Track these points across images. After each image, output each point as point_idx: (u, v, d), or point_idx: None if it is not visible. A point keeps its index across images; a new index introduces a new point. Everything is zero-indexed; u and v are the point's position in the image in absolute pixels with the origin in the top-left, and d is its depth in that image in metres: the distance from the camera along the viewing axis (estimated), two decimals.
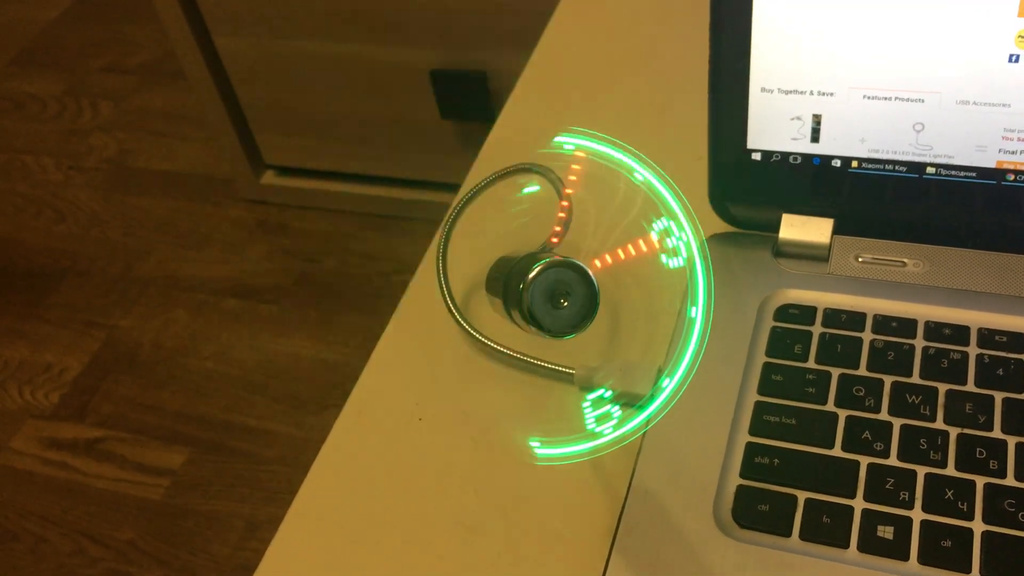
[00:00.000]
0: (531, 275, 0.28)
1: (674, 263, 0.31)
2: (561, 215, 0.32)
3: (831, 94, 0.44)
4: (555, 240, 0.32)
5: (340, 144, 1.56)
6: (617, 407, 0.32)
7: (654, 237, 0.30)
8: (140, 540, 1.26)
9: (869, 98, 0.44)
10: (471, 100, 1.38)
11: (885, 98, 0.43)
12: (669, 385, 0.32)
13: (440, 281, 0.48)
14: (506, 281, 0.29)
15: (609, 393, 0.32)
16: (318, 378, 1.41)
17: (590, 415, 0.32)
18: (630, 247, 0.30)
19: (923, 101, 0.43)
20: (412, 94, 1.43)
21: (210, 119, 1.60)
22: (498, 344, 0.46)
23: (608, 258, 0.30)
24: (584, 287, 0.28)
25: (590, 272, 0.28)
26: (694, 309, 0.32)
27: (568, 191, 0.32)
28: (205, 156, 1.81)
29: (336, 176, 1.63)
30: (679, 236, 0.30)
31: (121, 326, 1.54)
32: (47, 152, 1.88)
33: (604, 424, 0.32)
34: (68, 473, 1.35)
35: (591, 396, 0.32)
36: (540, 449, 0.32)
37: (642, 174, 0.31)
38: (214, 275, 1.60)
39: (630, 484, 0.40)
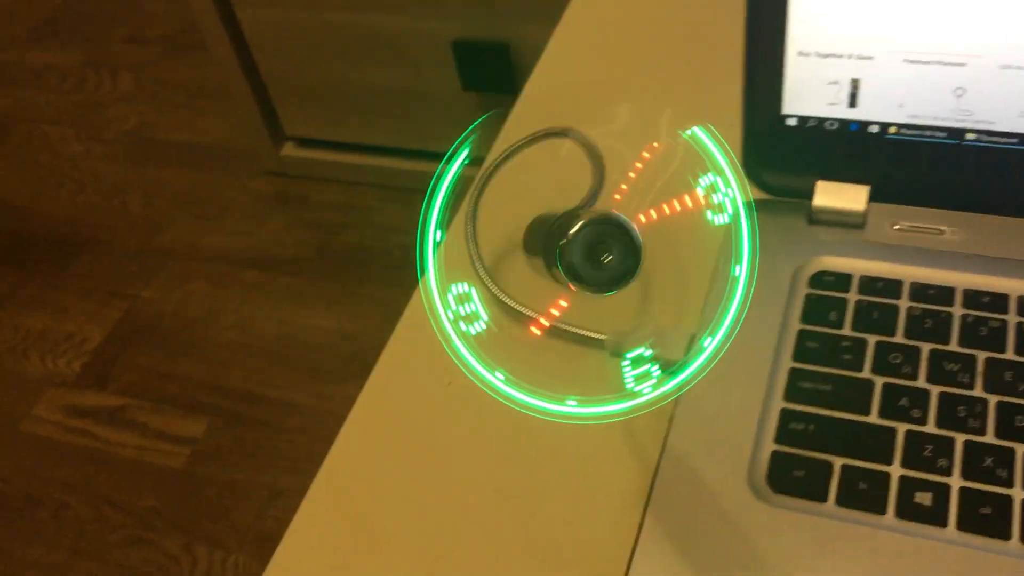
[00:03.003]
0: (573, 230, 0.27)
1: (719, 220, 0.31)
2: (631, 175, 0.31)
3: (870, 58, 0.43)
4: (618, 197, 0.31)
5: (361, 115, 1.56)
6: (656, 366, 0.32)
7: (700, 193, 0.30)
8: (162, 507, 1.27)
9: (909, 62, 0.43)
10: (493, 71, 1.37)
11: (926, 62, 0.43)
12: (711, 344, 0.32)
13: (469, 245, 0.47)
14: (546, 238, 0.29)
15: (649, 352, 0.31)
16: (338, 349, 1.41)
17: (629, 374, 0.32)
18: (675, 203, 0.30)
19: (965, 65, 0.42)
20: (434, 65, 1.42)
21: (231, 90, 1.60)
22: (528, 308, 0.46)
23: (652, 213, 0.30)
24: (626, 242, 0.28)
25: (632, 225, 0.28)
26: (738, 267, 0.31)
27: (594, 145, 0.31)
28: (225, 128, 1.81)
29: (356, 148, 1.63)
30: (725, 192, 0.30)
31: (142, 296, 1.55)
32: (68, 123, 1.89)
33: (643, 383, 0.32)
34: (90, 441, 1.36)
35: (631, 355, 0.31)
36: (578, 408, 0.31)
37: (689, 128, 0.30)
38: (234, 246, 1.60)
39: (663, 448, 0.40)
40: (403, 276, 1.61)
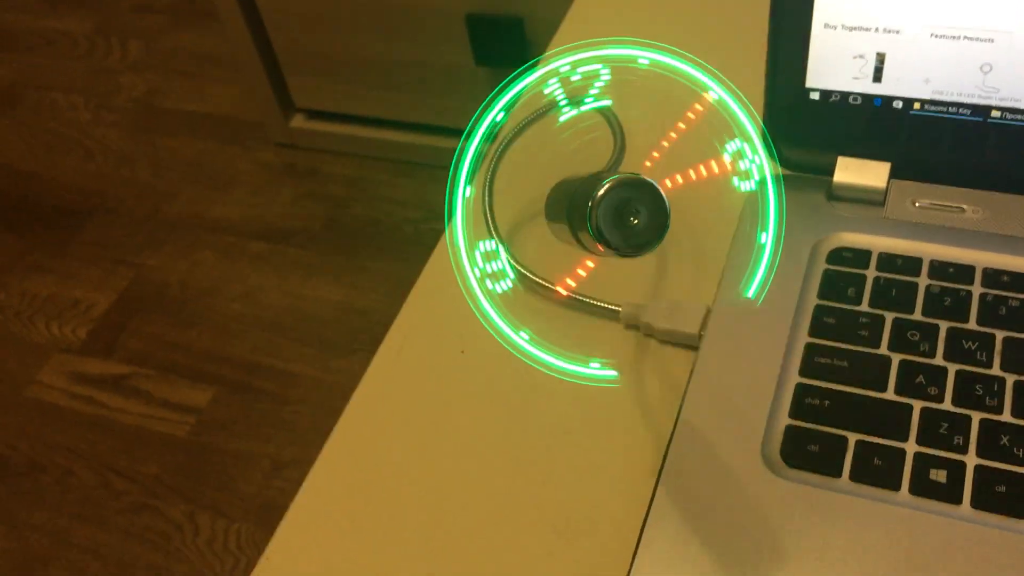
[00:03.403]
0: (600, 192, 0.27)
1: (745, 187, 0.30)
2: (664, 143, 0.31)
3: (897, 31, 0.43)
4: (648, 164, 0.31)
5: (372, 89, 1.55)
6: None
7: (726, 159, 0.30)
8: (165, 475, 1.27)
9: (937, 36, 0.42)
10: (507, 47, 1.37)
11: (953, 37, 0.42)
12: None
13: (486, 214, 0.47)
14: (571, 202, 0.29)
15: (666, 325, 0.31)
16: (345, 323, 1.41)
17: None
18: (701, 168, 0.30)
19: (993, 41, 0.42)
20: (447, 39, 1.41)
21: (241, 61, 1.59)
22: (544, 279, 0.45)
23: (679, 178, 0.29)
24: (653, 204, 0.27)
25: (660, 188, 0.27)
26: (764, 234, 0.31)
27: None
28: (235, 98, 1.80)
29: (367, 121, 1.62)
30: (752, 159, 0.30)
31: (149, 265, 1.54)
32: (77, 90, 1.88)
33: None
34: (95, 408, 1.37)
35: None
36: (601, 370, 0.31)
37: (717, 92, 0.30)
38: (242, 217, 1.60)
39: (677, 420, 0.40)
40: (411, 251, 1.61)
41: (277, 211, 1.60)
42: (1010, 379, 0.38)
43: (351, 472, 0.42)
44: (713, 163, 0.30)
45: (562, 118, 0.30)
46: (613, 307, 0.44)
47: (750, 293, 0.32)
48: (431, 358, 0.46)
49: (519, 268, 0.46)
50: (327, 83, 1.58)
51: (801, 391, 0.40)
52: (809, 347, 0.41)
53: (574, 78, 0.29)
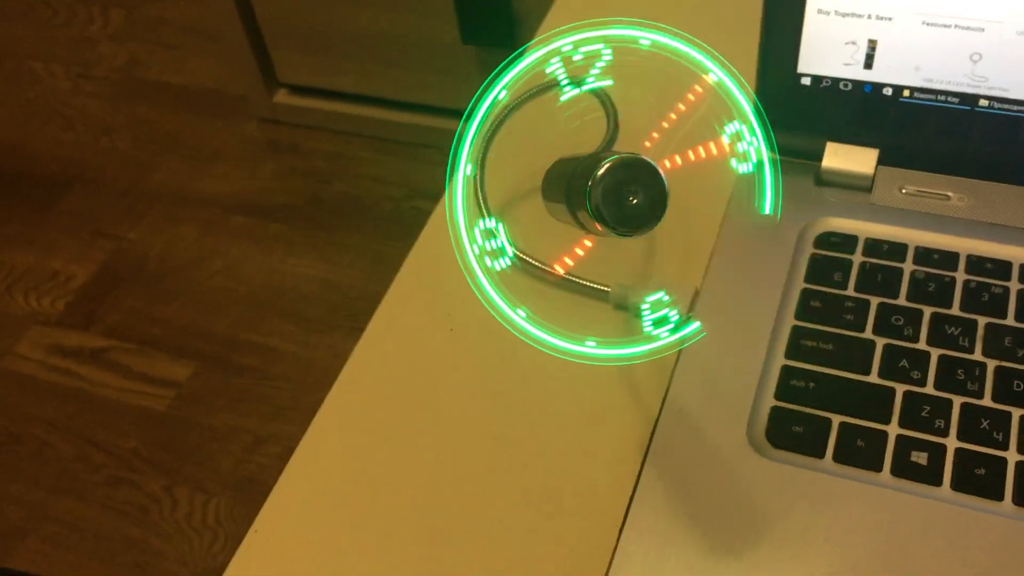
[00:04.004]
0: (599, 172, 0.27)
1: (743, 168, 0.31)
2: (665, 124, 0.31)
3: (889, 19, 0.43)
4: (648, 144, 0.31)
5: (357, 65, 1.54)
6: (675, 312, 0.32)
7: (724, 140, 0.30)
8: (144, 449, 1.27)
9: (928, 24, 0.43)
10: (494, 25, 1.36)
11: (944, 25, 0.43)
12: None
13: (478, 194, 0.47)
14: (570, 181, 0.29)
15: (668, 298, 0.31)
16: (325, 298, 1.41)
17: (648, 318, 0.32)
18: (700, 149, 0.30)
19: (983, 30, 0.42)
20: (433, 16, 1.40)
21: (225, 33, 1.57)
22: (534, 259, 0.46)
23: (677, 159, 0.30)
24: (652, 184, 0.28)
25: (658, 168, 0.27)
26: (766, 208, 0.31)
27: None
28: (218, 71, 1.78)
29: (351, 98, 1.61)
30: (750, 141, 0.30)
31: (129, 238, 1.53)
32: (56, 59, 1.86)
33: (661, 328, 0.32)
34: (73, 380, 1.36)
35: (651, 298, 0.32)
36: (597, 349, 0.31)
37: (716, 74, 0.30)
38: (224, 192, 1.58)
39: (664, 400, 0.40)
40: (392, 228, 1.60)
41: (259, 186, 1.59)
42: (991, 364, 0.39)
43: (338, 449, 0.42)
44: (712, 144, 0.30)
45: (563, 97, 0.30)
46: (602, 288, 0.45)
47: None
48: (420, 336, 0.46)
49: (509, 248, 0.46)
50: (311, 58, 1.57)
51: (787, 373, 0.40)
52: (795, 330, 0.42)
53: (576, 58, 0.30)
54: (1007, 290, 0.42)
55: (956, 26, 0.42)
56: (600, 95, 0.45)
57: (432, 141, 1.56)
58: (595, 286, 0.45)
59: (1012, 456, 0.37)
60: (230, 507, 1.20)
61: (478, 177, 0.44)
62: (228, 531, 1.18)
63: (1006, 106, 0.44)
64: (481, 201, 0.45)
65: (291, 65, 1.60)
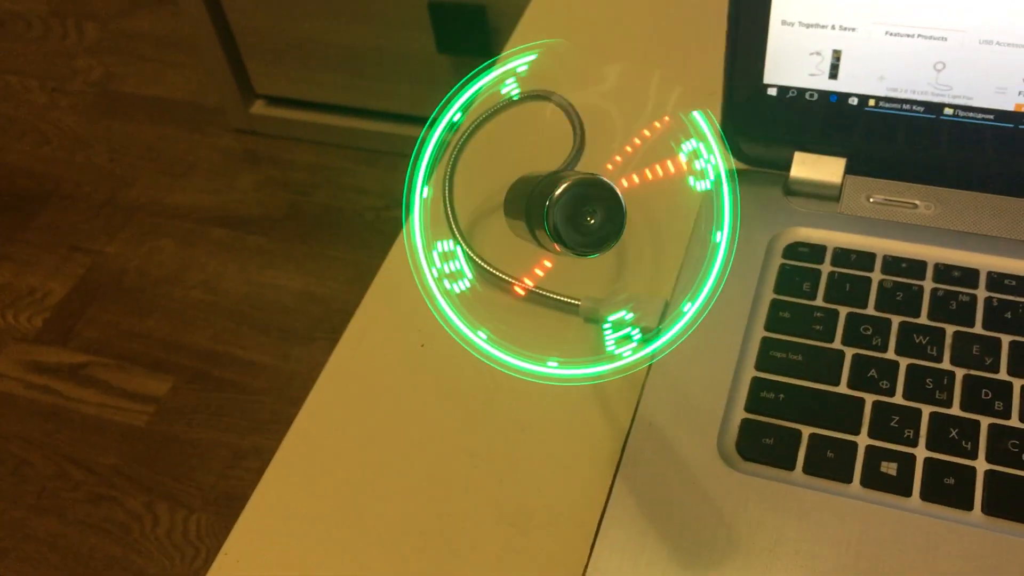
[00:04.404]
0: (557, 192, 0.27)
1: (701, 186, 0.31)
2: (628, 148, 0.31)
3: (853, 29, 0.43)
4: (610, 167, 0.31)
5: (333, 75, 1.54)
6: (637, 330, 0.32)
7: (682, 159, 0.30)
8: (124, 466, 1.26)
9: (891, 35, 0.43)
10: (469, 34, 1.36)
11: (908, 35, 0.43)
12: (691, 308, 0.32)
13: (446, 208, 0.47)
14: (529, 200, 0.29)
15: (630, 316, 0.31)
16: (305, 311, 1.40)
17: (610, 337, 0.32)
18: (657, 168, 0.30)
19: (946, 40, 0.42)
20: (410, 26, 1.40)
21: (200, 45, 1.57)
22: (504, 273, 0.46)
23: (635, 178, 0.30)
24: (610, 205, 0.28)
25: (617, 189, 0.27)
26: (719, 234, 0.31)
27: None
28: (194, 83, 1.78)
29: (328, 108, 1.61)
30: (707, 159, 0.30)
31: (106, 252, 1.52)
32: (31, 73, 1.84)
33: (623, 347, 0.32)
34: (51, 397, 1.35)
35: (612, 318, 0.31)
36: (559, 369, 0.31)
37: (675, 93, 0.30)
38: (201, 204, 1.58)
39: (635, 414, 0.40)
40: (373, 239, 1.59)
41: (237, 198, 1.59)
42: (959, 373, 0.39)
43: (310, 466, 0.42)
44: (669, 163, 0.30)
45: (516, 119, 0.30)
46: (573, 301, 0.45)
47: (712, 275, 0.32)
48: (391, 352, 0.46)
49: (481, 263, 0.46)
50: (288, 69, 1.56)
51: (757, 385, 0.40)
52: (765, 341, 0.42)
53: (513, 93, 0.30)
54: (974, 298, 0.42)
55: (919, 36, 0.43)
56: (569, 112, 0.45)
57: (409, 150, 1.55)
58: (565, 300, 0.45)
59: (981, 465, 0.37)
60: (211, 522, 1.19)
61: (446, 195, 0.44)
62: (210, 546, 1.17)
63: (970, 114, 0.44)
64: (450, 217, 0.45)
65: (267, 76, 1.59)
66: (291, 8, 1.46)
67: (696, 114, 0.30)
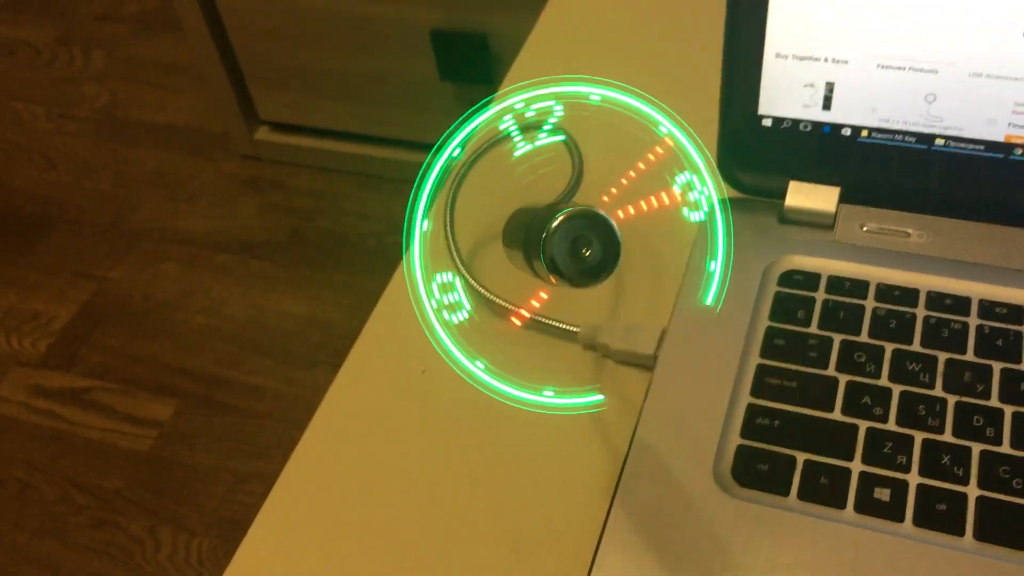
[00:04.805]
0: (554, 224, 0.28)
1: (695, 217, 0.31)
2: (623, 181, 0.32)
3: (845, 62, 0.44)
4: (606, 199, 0.32)
5: (337, 102, 1.55)
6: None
7: (676, 190, 0.31)
8: (127, 490, 1.26)
9: (883, 67, 0.44)
10: (471, 62, 1.38)
11: (899, 68, 0.44)
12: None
13: (447, 236, 0.48)
14: (527, 231, 0.29)
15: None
16: (308, 335, 1.41)
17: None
18: (652, 199, 0.31)
19: (936, 72, 0.43)
20: (412, 54, 1.42)
21: (205, 72, 1.59)
22: (503, 299, 0.46)
23: (631, 209, 0.30)
24: (606, 237, 0.28)
25: (612, 222, 0.28)
26: (713, 263, 0.32)
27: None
28: (199, 110, 1.79)
29: (332, 134, 1.62)
30: (701, 190, 0.31)
31: (111, 277, 1.53)
32: (38, 100, 1.86)
33: None
34: (55, 422, 1.35)
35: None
36: (555, 399, 0.32)
37: (667, 127, 0.31)
38: (206, 230, 1.59)
39: (632, 440, 0.41)
40: (376, 264, 1.60)
41: (241, 223, 1.60)
42: (951, 400, 0.40)
43: (312, 491, 0.43)
44: (664, 194, 0.31)
45: (517, 152, 0.31)
46: (571, 328, 0.45)
47: (708, 301, 0.33)
48: (393, 378, 0.46)
49: (483, 292, 0.46)
50: (292, 96, 1.58)
51: (752, 411, 0.41)
52: (760, 368, 0.42)
53: (528, 114, 0.30)
54: (966, 325, 0.42)
55: (910, 68, 0.43)
56: (568, 144, 0.46)
57: (413, 176, 1.56)
58: (564, 327, 0.45)
59: (972, 491, 0.37)
60: (213, 547, 1.19)
61: (447, 225, 0.45)
62: (212, 571, 1.17)
63: (961, 145, 0.45)
64: (452, 248, 0.45)
65: (271, 102, 1.61)
66: (295, 35, 1.48)
67: (688, 145, 0.30)
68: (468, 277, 0.47)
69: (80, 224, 1.63)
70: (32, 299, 1.51)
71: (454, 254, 0.47)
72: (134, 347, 1.43)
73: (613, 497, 0.39)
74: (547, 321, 0.46)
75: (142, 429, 1.33)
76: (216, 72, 1.56)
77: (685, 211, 0.31)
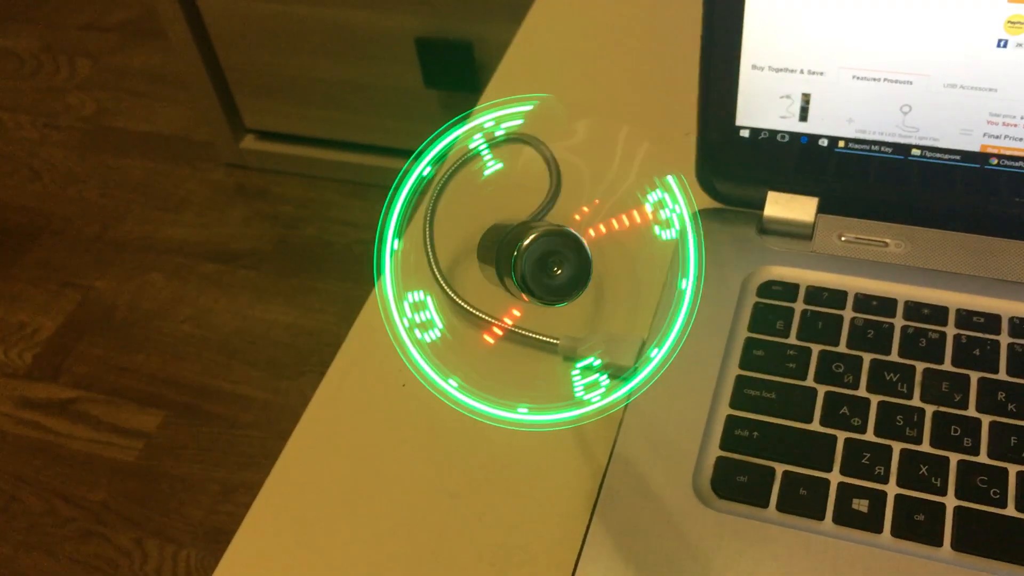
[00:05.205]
0: (525, 243, 0.28)
1: (667, 235, 0.31)
2: (597, 201, 0.32)
3: (821, 73, 0.45)
4: (577, 217, 0.32)
5: (322, 110, 1.55)
6: (605, 376, 0.32)
7: (648, 208, 0.31)
8: (113, 501, 1.26)
9: (858, 79, 0.44)
10: (456, 69, 1.38)
11: (874, 79, 0.44)
12: (658, 355, 0.32)
13: (427, 249, 0.48)
14: (499, 248, 0.29)
15: (598, 362, 0.32)
16: (295, 344, 1.41)
17: (579, 383, 0.33)
18: (624, 218, 0.31)
19: (911, 83, 0.44)
20: (397, 62, 1.42)
21: (190, 81, 1.58)
22: (483, 312, 0.46)
23: (602, 228, 0.31)
24: (577, 256, 0.28)
25: (583, 241, 0.28)
26: (684, 281, 0.32)
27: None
28: (184, 118, 1.79)
29: (317, 142, 1.62)
30: (672, 208, 0.31)
31: (97, 287, 1.53)
32: (23, 109, 1.86)
33: (592, 392, 0.33)
34: (41, 433, 1.35)
35: (580, 364, 0.32)
36: (529, 416, 0.32)
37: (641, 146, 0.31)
38: (192, 239, 1.58)
39: (612, 453, 0.41)
40: (362, 272, 1.60)
41: (227, 232, 1.59)
42: (929, 410, 0.40)
43: (296, 500, 0.43)
44: (635, 212, 0.31)
45: (486, 172, 0.31)
46: (551, 340, 0.45)
47: (676, 324, 0.33)
48: (373, 390, 0.46)
49: (463, 304, 0.46)
50: (277, 104, 1.58)
51: (731, 423, 0.41)
52: (739, 379, 0.42)
53: (498, 133, 0.30)
54: (943, 335, 0.43)
55: (885, 79, 0.44)
56: (548, 159, 0.46)
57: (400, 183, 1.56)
58: (543, 338, 0.45)
59: (950, 501, 0.37)
60: (201, 558, 1.19)
61: (426, 239, 0.45)
62: None
63: (937, 155, 0.45)
64: (433, 264, 0.45)
65: (257, 111, 1.61)
66: (280, 44, 1.48)
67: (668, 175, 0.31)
68: (449, 290, 0.47)
69: (65, 234, 1.62)
70: (17, 310, 1.51)
71: (434, 268, 0.47)
72: (120, 357, 1.42)
73: (593, 510, 0.39)
74: (527, 333, 0.46)
75: (128, 440, 1.32)
76: (201, 81, 1.56)
77: (656, 229, 0.31)
